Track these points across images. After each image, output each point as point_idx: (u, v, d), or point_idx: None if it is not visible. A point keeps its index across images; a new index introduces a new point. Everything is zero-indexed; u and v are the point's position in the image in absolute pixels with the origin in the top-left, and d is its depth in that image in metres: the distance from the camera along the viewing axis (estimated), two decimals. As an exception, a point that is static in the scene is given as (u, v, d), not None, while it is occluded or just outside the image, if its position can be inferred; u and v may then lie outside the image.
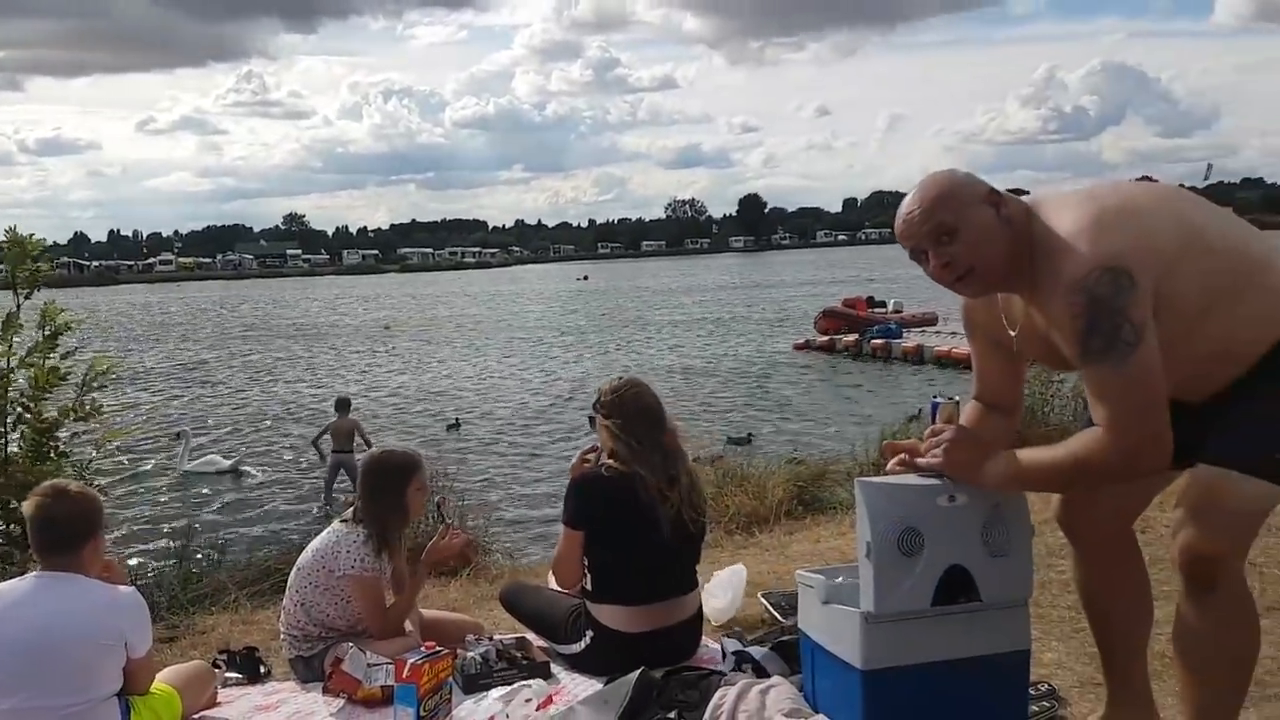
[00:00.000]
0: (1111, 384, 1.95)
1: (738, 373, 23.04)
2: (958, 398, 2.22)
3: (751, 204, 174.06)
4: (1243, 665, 2.07)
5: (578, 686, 3.03)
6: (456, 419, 17.66)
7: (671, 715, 2.42)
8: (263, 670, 3.39)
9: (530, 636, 3.36)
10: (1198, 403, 2.08)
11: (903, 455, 2.31)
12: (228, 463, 14.26)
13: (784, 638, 3.07)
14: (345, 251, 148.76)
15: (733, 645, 3.07)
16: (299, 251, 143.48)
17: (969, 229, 2.05)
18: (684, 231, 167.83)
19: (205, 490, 13.25)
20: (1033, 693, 2.67)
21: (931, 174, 2.14)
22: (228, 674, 3.34)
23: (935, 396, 2.24)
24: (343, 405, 12.24)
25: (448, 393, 21.57)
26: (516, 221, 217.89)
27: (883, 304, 29.84)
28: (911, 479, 2.26)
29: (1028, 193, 2.16)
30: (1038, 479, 2.11)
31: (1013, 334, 2.21)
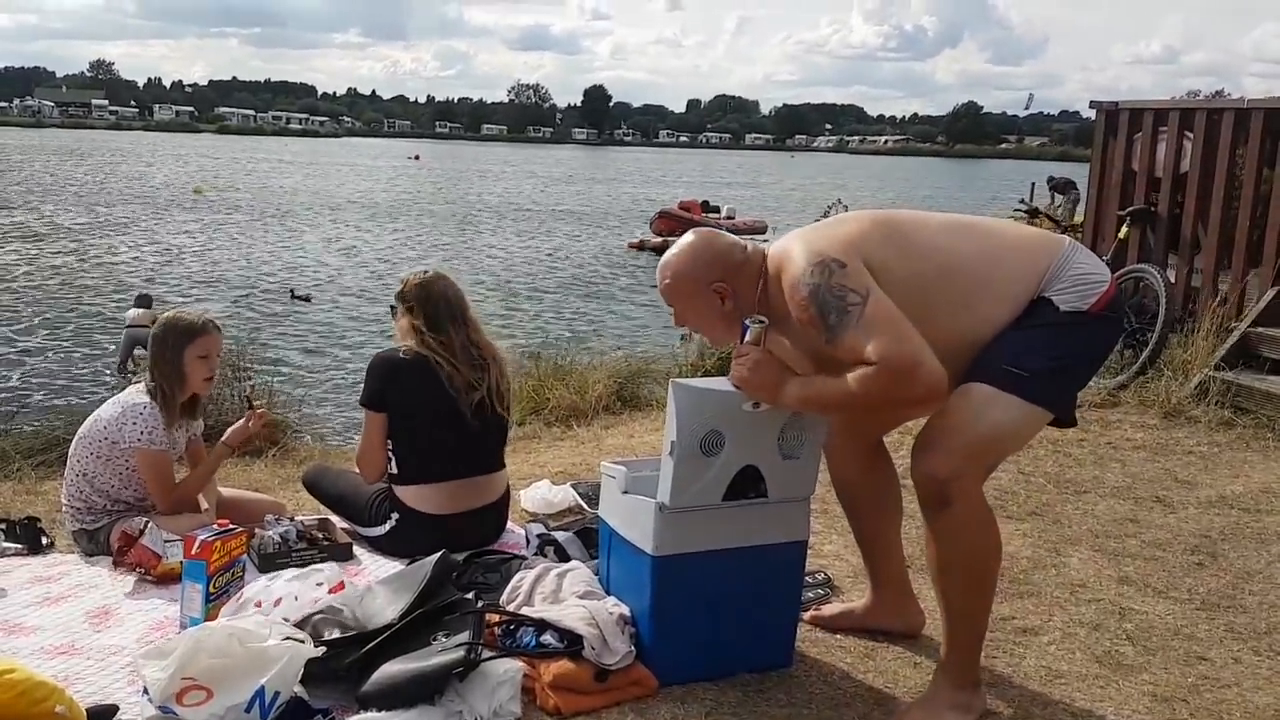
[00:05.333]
0: (860, 338, 2.10)
1: (571, 267, 23.01)
2: (766, 320, 2.31)
3: (597, 96, 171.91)
4: (980, 571, 2.27)
5: (379, 568, 3.05)
6: (293, 290, 17.00)
7: (469, 596, 2.47)
8: (45, 542, 3.24)
9: (334, 519, 3.34)
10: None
11: None
12: None
13: (588, 525, 3.18)
14: (157, 106, 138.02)
15: (538, 529, 3.15)
16: (105, 102, 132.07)
17: (691, 315, 2.41)
18: (527, 118, 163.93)
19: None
20: (810, 580, 2.89)
21: (681, 246, 2.39)
22: (5, 544, 3.18)
23: (746, 318, 2.32)
24: (143, 302, 11.61)
25: (261, 266, 20.58)
26: (349, 90, 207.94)
27: (717, 209, 30.23)
28: (722, 383, 2.35)
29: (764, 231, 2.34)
30: (828, 403, 2.24)
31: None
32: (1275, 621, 2.84)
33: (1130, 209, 6.30)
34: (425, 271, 3.29)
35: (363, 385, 3.19)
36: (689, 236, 2.42)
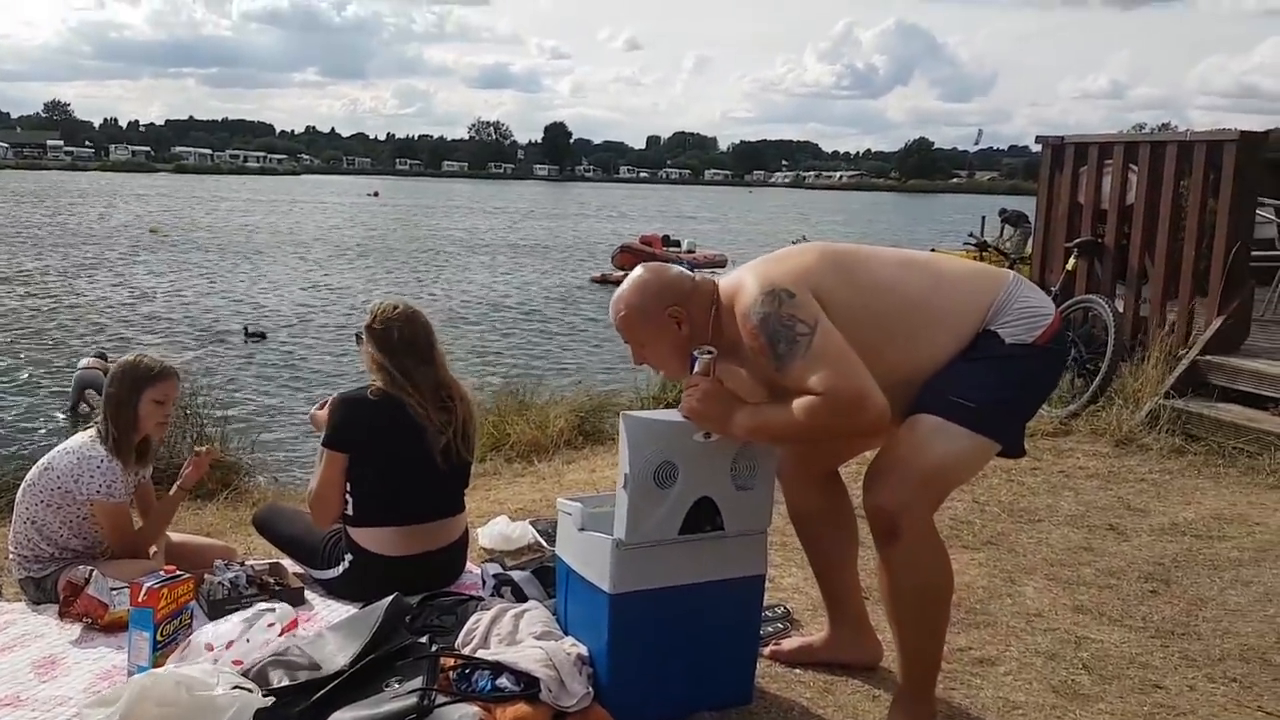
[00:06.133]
0: (807, 369, 2.13)
1: (533, 301, 23.02)
2: (714, 350, 2.33)
3: (557, 133, 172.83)
4: (932, 602, 2.29)
5: (331, 613, 2.99)
6: (246, 327, 16.83)
7: (423, 640, 2.43)
8: (-10, 591, 3.17)
9: (286, 562, 3.28)
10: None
11: None
12: None
13: (546, 564, 3.15)
14: (113, 146, 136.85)
15: (494, 569, 3.11)
16: (61, 143, 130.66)
17: (649, 345, 2.41)
18: (488, 155, 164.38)
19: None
20: (769, 614, 2.88)
21: (631, 280, 2.42)
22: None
23: (694, 349, 2.34)
24: (100, 355, 11.64)
25: (216, 305, 20.35)
26: (308, 128, 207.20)
27: (678, 243, 30.46)
28: (673, 415, 2.36)
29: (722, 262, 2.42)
30: (776, 433, 2.28)
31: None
32: (1229, 648, 2.87)
33: (1077, 241, 6.42)
34: (395, 305, 3.18)
35: (326, 424, 3.12)
36: (637, 271, 2.45)
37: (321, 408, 3.25)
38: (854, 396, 2.11)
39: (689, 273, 2.45)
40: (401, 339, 3.09)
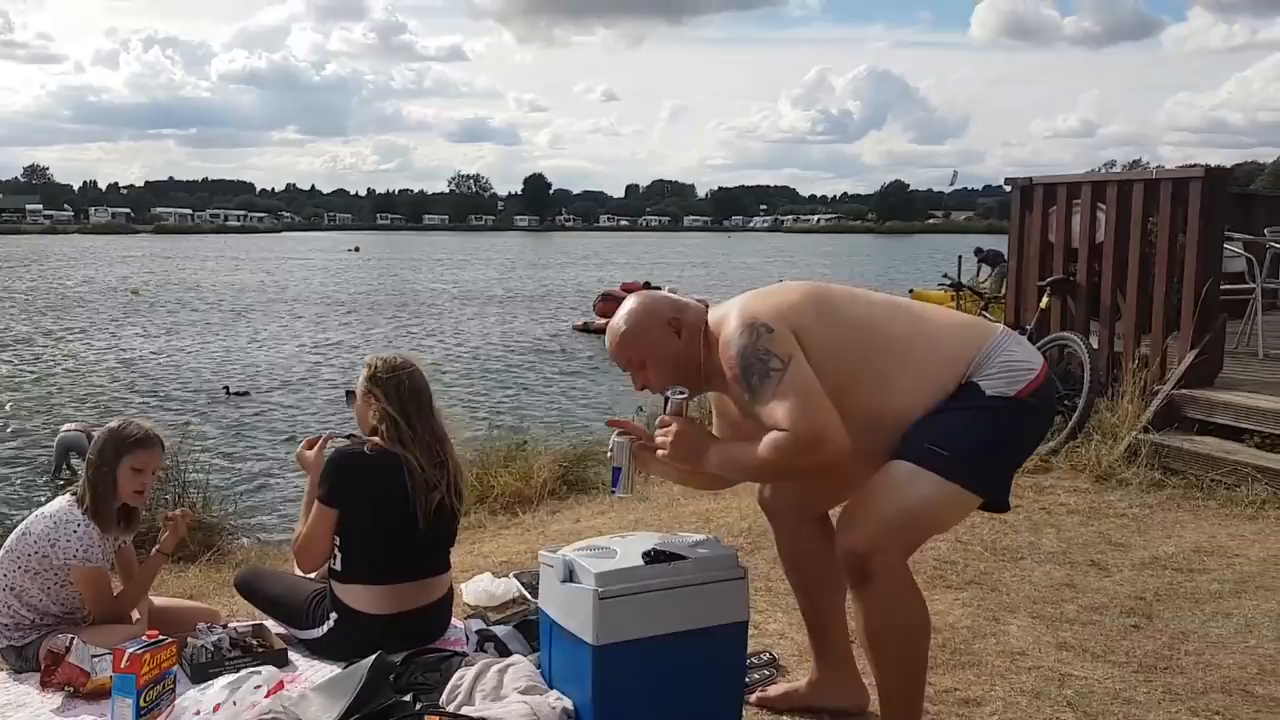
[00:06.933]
0: (776, 403, 2.18)
1: (516, 351, 23.04)
2: (686, 391, 2.37)
3: (537, 184, 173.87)
4: (908, 644, 2.30)
5: (316, 673, 2.97)
6: (228, 386, 16.76)
7: (407, 698, 2.42)
8: (-28, 661, 3.13)
9: (269, 623, 3.26)
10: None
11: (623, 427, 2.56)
12: None
13: (530, 617, 3.14)
14: (93, 209, 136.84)
15: (477, 625, 3.10)
16: (40, 206, 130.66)
17: (650, 360, 2.44)
18: (468, 207, 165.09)
19: None
20: (754, 661, 2.88)
21: (625, 305, 2.50)
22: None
23: (668, 389, 2.38)
24: (84, 426, 11.63)
25: (199, 363, 20.28)
26: (288, 185, 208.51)
27: (659, 289, 30.55)
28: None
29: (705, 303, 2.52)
30: (744, 467, 2.33)
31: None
32: (1212, 681, 2.89)
33: (1049, 280, 6.51)
34: (396, 358, 3.17)
35: (320, 479, 3.10)
36: (627, 301, 2.52)
37: (310, 446, 3.24)
38: (813, 437, 2.15)
39: (677, 296, 2.53)
40: (410, 389, 3.10)
